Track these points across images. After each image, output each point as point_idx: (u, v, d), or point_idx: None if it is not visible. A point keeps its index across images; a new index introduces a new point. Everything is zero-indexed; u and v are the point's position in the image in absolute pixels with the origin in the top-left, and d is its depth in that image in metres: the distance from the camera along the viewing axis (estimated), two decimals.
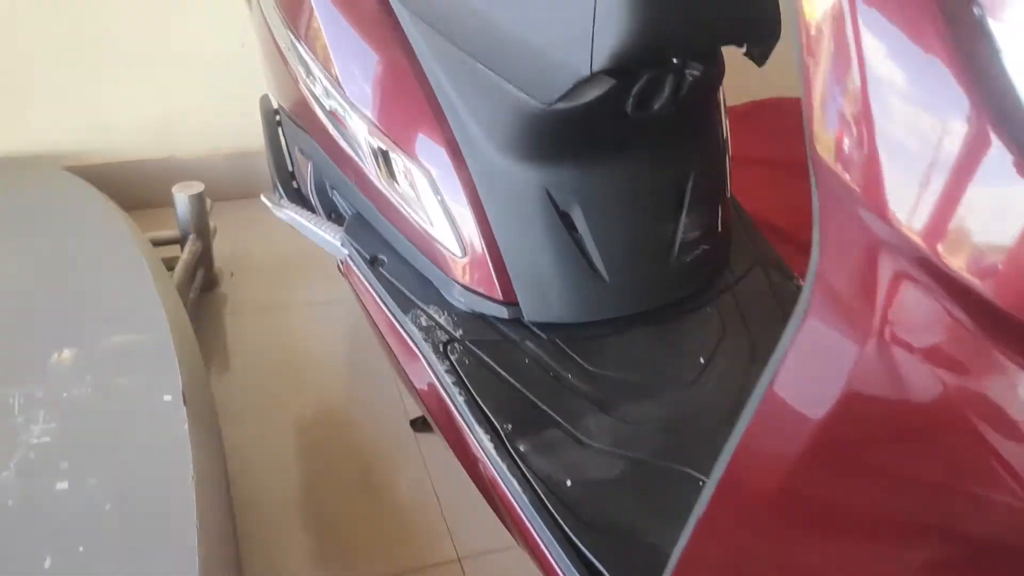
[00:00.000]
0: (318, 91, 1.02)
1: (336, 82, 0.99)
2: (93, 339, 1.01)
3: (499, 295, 0.93)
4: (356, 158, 1.01)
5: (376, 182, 0.99)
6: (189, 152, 1.75)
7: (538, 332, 0.93)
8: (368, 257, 1.01)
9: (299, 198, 1.27)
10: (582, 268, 0.92)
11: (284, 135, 1.30)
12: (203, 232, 1.51)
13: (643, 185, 0.95)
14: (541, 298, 0.93)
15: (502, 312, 0.94)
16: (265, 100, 1.40)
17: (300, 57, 1.06)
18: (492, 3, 0.82)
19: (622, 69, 0.78)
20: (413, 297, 0.96)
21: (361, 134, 0.98)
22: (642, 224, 0.95)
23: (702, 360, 0.93)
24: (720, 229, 1.03)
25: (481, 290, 0.94)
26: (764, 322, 0.98)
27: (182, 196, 1.47)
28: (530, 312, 0.93)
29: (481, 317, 0.94)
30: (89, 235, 1.40)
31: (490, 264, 0.93)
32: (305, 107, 1.09)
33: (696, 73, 0.85)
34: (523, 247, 0.92)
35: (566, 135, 0.89)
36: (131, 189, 1.72)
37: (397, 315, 0.95)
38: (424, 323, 0.93)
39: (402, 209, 0.97)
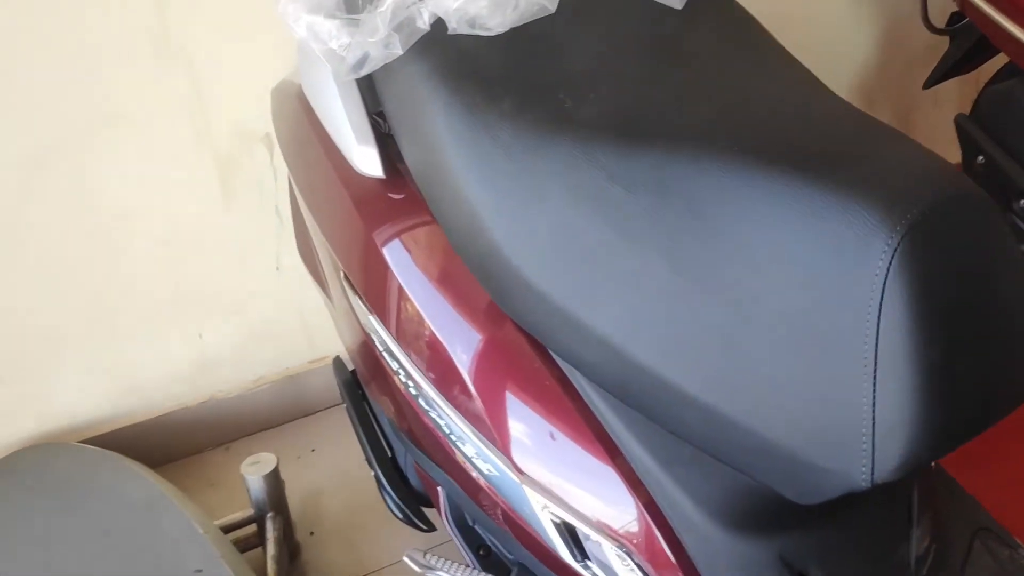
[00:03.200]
0: (468, 451, 0.87)
1: (497, 447, 0.84)
2: None
3: None
4: (523, 520, 0.85)
5: (556, 553, 0.84)
6: (230, 389, 1.58)
7: None
8: None
9: (408, 492, 1.11)
10: None
11: (377, 420, 1.14)
12: (281, 507, 1.35)
13: (874, 518, 0.81)
14: None
15: None
16: (339, 364, 1.23)
17: (434, 402, 0.90)
18: (719, 395, 0.68)
19: None
20: None
21: (535, 504, 0.83)
22: (881, 561, 0.82)
23: None
24: (937, 512, 0.90)
25: None
26: None
27: (255, 479, 1.30)
28: None
29: None
30: (151, 542, 1.24)
31: None
32: (433, 441, 0.93)
33: None
34: None
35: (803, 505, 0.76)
36: (170, 442, 1.55)
37: None
38: None
39: None
